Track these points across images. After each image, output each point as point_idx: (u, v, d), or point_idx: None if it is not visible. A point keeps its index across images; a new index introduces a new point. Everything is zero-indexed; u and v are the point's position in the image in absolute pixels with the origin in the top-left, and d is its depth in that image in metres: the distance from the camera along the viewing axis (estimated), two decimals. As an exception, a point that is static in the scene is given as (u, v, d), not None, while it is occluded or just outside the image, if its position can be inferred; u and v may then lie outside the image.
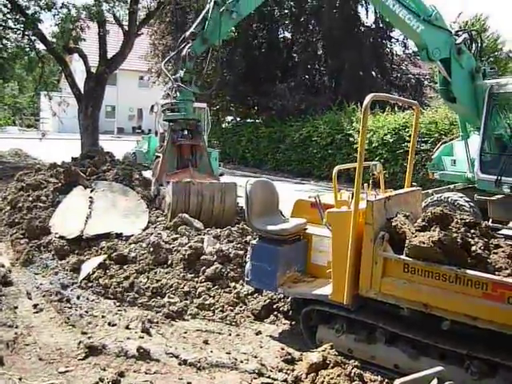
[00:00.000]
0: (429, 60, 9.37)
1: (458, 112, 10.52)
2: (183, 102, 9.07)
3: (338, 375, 4.06)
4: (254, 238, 5.58)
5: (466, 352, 4.06)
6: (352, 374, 4.11)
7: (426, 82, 28.46)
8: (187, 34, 9.33)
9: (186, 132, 9.32)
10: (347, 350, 4.67)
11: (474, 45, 9.86)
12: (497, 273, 4.04)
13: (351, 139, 19.06)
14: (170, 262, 6.43)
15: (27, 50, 15.48)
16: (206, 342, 5.04)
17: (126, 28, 15.34)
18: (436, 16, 9.20)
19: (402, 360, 4.39)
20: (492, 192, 9.51)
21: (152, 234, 7.02)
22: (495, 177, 9.00)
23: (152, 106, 17.07)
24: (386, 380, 4.28)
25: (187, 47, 9.09)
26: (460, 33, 9.81)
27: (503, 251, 4.38)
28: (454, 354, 4.16)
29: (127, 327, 5.24)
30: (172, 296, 5.85)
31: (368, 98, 4.31)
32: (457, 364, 4.14)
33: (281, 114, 23.11)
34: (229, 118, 27.80)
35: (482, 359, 4.03)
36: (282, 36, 27.37)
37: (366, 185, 4.86)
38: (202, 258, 6.34)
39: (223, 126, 26.98)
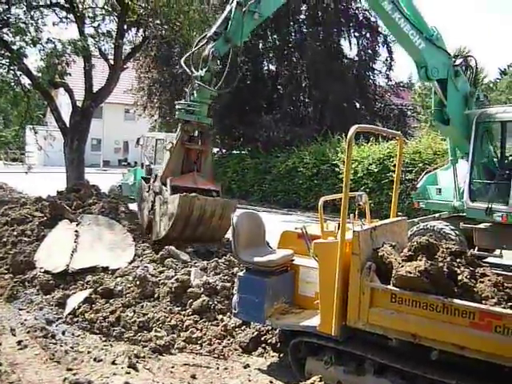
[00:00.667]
0: (427, 79, 9.58)
1: (449, 135, 10.57)
2: (199, 104, 9.02)
3: (328, 408, 4.03)
4: (241, 270, 5.57)
5: (454, 382, 4.04)
6: (342, 407, 4.08)
7: (408, 113, 28.99)
8: (209, 33, 9.22)
9: (196, 134, 9.27)
10: (336, 382, 4.63)
11: (468, 71, 10.11)
12: (483, 302, 4.06)
13: (336, 169, 19.23)
14: (156, 295, 6.37)
15: (12, 84, 15.47)
16: (193, 377, 4.98)
17: (112, 62, 15.45)
18: (437, 36, 9.49)
19: (391, 391, 4.36)
20: (479, 220, 9.63)
21: (138, 267, 6.97)
22: (485, 205, 9.12)
23: (138, 139, 17.18)
24: (376, 412, 4.25)
25: (209, 47, 8.97)
26: (457, 57, 10.09)
27: (489, 280, 4.40)
28: (443, 383, 4.14)
29: (113, 362, 5.15)
30: (159, 330, 5.78)
31: (352, 130, 4.38)
32: (446, 394, 4.12)
33: (266, 146, 23.29)
34: (215, 150, 27.90)
35: (470, 389, 4.02)
36: (266, 68, 27.79)
37: (351, 215, 4.90)
38: (188, 290, 6.29)
39: (209, 157, 27.03)
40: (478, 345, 3.84)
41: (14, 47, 14.22)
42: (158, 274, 6.74)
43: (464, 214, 10.04)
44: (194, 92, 9.10)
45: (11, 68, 14.98)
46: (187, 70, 9.60)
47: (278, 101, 25.30)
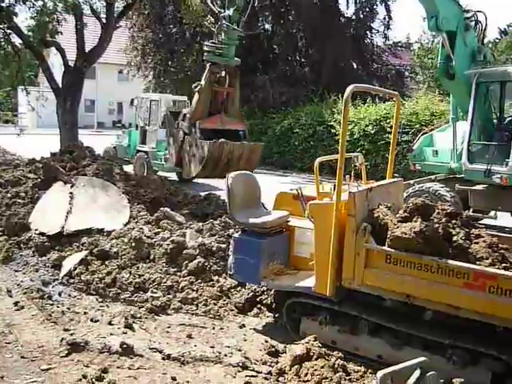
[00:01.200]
0: (436, 29, 9.30)
1: (453, 91, 10.35)
2: (227, 46, 9.05)
3: (322, 367, 4.07)
4: (237, 232, 5.56)
5: (448, 342, 4.10)
6: (336, 366, 4.13)
7: (406, 73, 28.64)
8: None
9: (223, 74, 9.30)
10: (331, 342, 4.69)
11: (477, 27, 9.87)
12: (478, 262, 4.07)
13: (333, 131, 19.10)
14: (152, 256, 6.38)
15: (3, 43, 15.14)
16: (189, 336, 5.01)
17: (104, 21, 15.10)
18: None
19: (385, 351, 4.42)
20: (476, 182, 9.61)
21: (134, 228, 6.95)
22: (484, 167, 9.08)
23: (132, 100, 16.91)
24: (370, 370, 4.31)
25: None
26: (468, 11, 9.82)
27: (484, 241, 4.41)
28: (436, 343, 4.19)
29: (110, 323, 5.19)
30: (155, 291, 5.81)
31: (349, 90, 4.30)
32: (439, 354, 4.19)
33: (262, 106, 23.06)
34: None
35: (464, 348, 4.07)
36: (262, 27, 27.26)
37: (347, 176, 4.86)
38: (184, 252, 6.30)
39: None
40: (472, 305, 3.87)
41: (3, 4, 13.84)
42: (153, 236, 6.73)
43: (460, 176, 10.03)
44: (222, 33, 8.96)
45: (1, 27, 14.63)
46: (214, 9, 9.35)
47: (274, 61, 24.96)
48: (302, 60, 26.00)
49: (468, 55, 9.61)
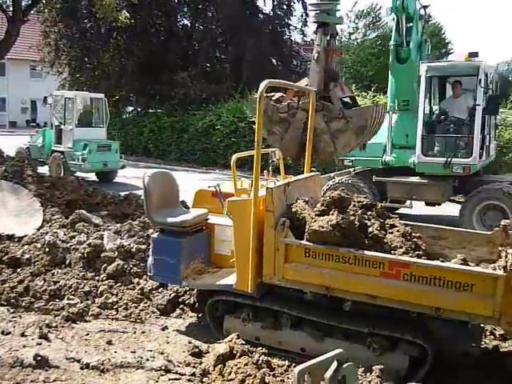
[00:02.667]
0: (402, 9, 9.28)
1: (401, 76, 10.19)
2: (334, 2, 7.51)
3: (246, 364, 4.04)
4: (156, 232, 5.42)
5: (367, 330, 4.19)
6: (259, 362, 4.11)
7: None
8: None
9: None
10: (255, 338, 4.69)
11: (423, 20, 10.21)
12: (393, 252, 4.20)
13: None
14: (68, 261, 6.13)
15: None
16: (109, 343, 4.83)
17: (11, 14, 14.30)
18: None
19: (308, 343, 4.47)
20: (428, 174, 9.87)
21: (47, 233, 6.64)
22: (441, 159, 9.40)
23: (45, 98, 16.17)
24: (293, 364, 4.32)
25: None
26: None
27: (398, 230, 4.57)
28: (356, 333, 4.29)
29: (23, 334, 4.89)
30: (72, 297, 5.56)
31: (263, 85, 4.28)
32: (360, 342, 4.29)
33: (183, 103, 22.80)
34: (130, 109, 26.99)
35: (382, 335, 4.19)
36: (181, 23, 26.94)
37: (265, 172, 4.85)
38: (102, 255, 6.09)
39: (124, 116, 26.15)
40: (388, 293, 3.97)
41: None
42: (68, 240, 6.46)
43: (379, 168, 10.35)
44: None
45: None
46: None
47: (194, 57, 24.70)
48: (222, 56, 25.93)
49: (417, 44, 9.91)
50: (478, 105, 9.15)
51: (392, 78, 10.37)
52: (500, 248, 4.53)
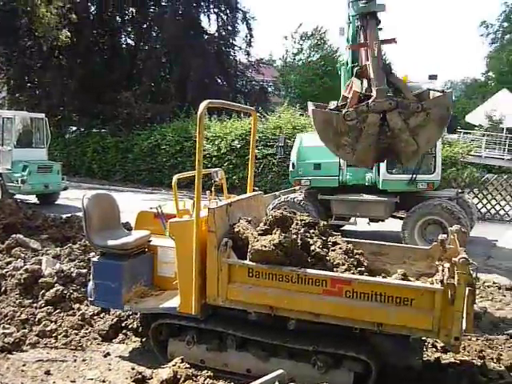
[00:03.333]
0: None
1: None
2: None
3: (190, 388, 3.96)
4: (97, 255, 5.27)
5: (311, 348, 4.20)
6: (204, 385, 4.04)
7: (270, 89, 29.69)
8: None
9: None
10: (200, 361, 4.60)
11: None
12: (335, 269, 4.24)
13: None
14: (3, 288, 5.85)
15: None
16: (47, 373, 4.63)
17: None
18: None
19: (253, 364, 4.42)
20: (391, 191, 10.11)
21: (-19, 259, 6.35)
22: (405, 176, 9.70)
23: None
24: (239, 386, 4.28)
25: None
26: None
27: (340, 248, 4.62)
28: (301, 351, 4.28)
29: (-49, 369, 4.63)
30: (7, 326, 5.30)
31: (203, 106, 4.27)
32: (305, 361, 4.28)
33: (127, 123, 22.54)
34: (72, 129, 26.43)
35: (326, 353, 4.20)
36: (125, 43, 26.77)
37: (208, 192, 4.83)
38: (40, 280, 5.86)
39: (66, 137, 25.57)
40: (331, 310, 4.00)
41: None
42: (4, 266, 6.20)
43: (318, 186, 10.48)
44: None
45: None
46: None
47: (138, 77, 24.55)
48: (167, 76, 25.88)
49: None
50: None
51: None
52: (437, 262, 4.65)
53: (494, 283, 8.05)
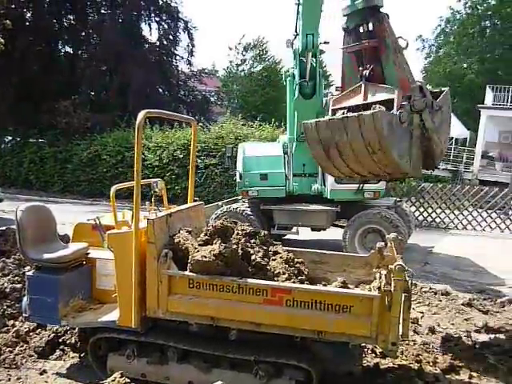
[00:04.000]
0: (312, 46, 9.18)
1: (304, 110, 9.79)
2: None
3: (130, 404, 3.88)
4: (32, 269, 5.08)
5: (253, 358, 4.20)
6: (145, 400, 3.97)
7: (212, 99, 29.71)
8: None
9: None
10: (141, 375, 4.53)
11: None
12: (276, 278, 4.26)
13: (142, 156, 18.79)
14: None
15: None
16: (-21, 394, 4.43)
17: None
18: None
19: (195, 376, 4.39)
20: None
21: None
22: (352, 186, 9.76)
23: None
24: (181, 399, 4.22)
25: None
26: None
27: (281, 257, 4.66)
28: (242, 361, 4.28)
29: None
30: None
31: (141, 115, 4.22)
32: (246, 371, 4.29)
33: (66, 133, 21.94)
34: (8, 139, 25.43)
35: (268, 362, 4.21)
36: (62, 51, 26.10)
37: (148, 202, 4.77)
38: (-29, 297, 5.60)
39: (2, 146, 24.58)
40: (272, 320, 4.02)
41: None
42: None
43: (265, 196, 10.53)
44: None
45: None
46: None
47: (77, 85, 23.96)
48: (107, 85, 25.41)
49: (320, 78, 10.01)
50: None
51: (295, 111, 10.33)
52: (375, 269, 4.77)
53: (430, 289, 8.31)
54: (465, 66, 39.48)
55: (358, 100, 5.50)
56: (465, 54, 39.58)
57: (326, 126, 5.19)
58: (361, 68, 5.54)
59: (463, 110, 37.21)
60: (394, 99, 5.06)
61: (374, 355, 5.39)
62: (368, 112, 4.87)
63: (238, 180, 10.85)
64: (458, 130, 32.75)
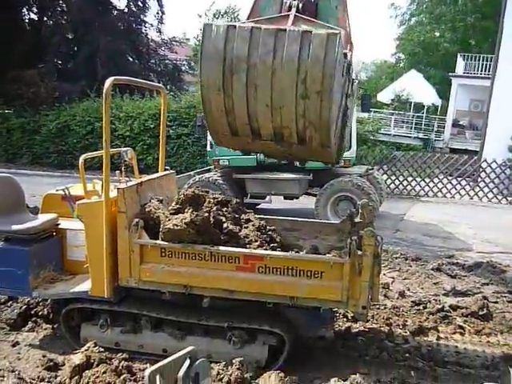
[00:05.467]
0: None
1: None
2: None
3: (104, 372, 3.89)
4: (0, 241, 5.00)
5: (226, 325, 4.25)
6: (119, 368, 3.99)
7: (183, 68, 29.23)
8: None
9: None
10: (114, 344, 4.55)
11: None
12: (248, 246, 4.29)
13: (113, 126, 18.57)
14: None
15: None
16: (-50, 366, 4.38)
17: None
18: None
19: (169, 343, 4.42)
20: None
21: None
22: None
23: None
24: (155, 366, 4.24)
25: None
26: None
27: (253, 225, 4.68)
28: (216, 328, 4.33)
29: None
30: None
31: (108, 82, 4.14)
32: (220, 337, 4.34)
33: (33, 103, 21.36)
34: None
35: (241, 328, 4.26)
36: (27, 17, 25.25)
37: (118, 172, 4.71)
38: None
39: (-35, 117, 23.85)
40: (245, 287, 4.06)
41: None
42: None
43: (236, 165, 10.52)
44: None
45: None
46: None
47: (43, 54, 23.28)
48: (75, 53, 24.76)
49: None
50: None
51: None
52: (347, 236, 4.83)
53: (401, 254, 8.49)
54: (437, 34, 39.59)
55: None
56: (437, 23, 39.64)
57: (242, 36, 3.72)
58: None
59: (437, 78, 37.52)
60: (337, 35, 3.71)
61: (345, 319, 5.50)
62: (321, 30, 3.61)
63: (208, 149, 10.83)
64: (431, 98, 33.11)
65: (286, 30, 3.62)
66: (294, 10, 4.02)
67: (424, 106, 33.03)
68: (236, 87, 3.78)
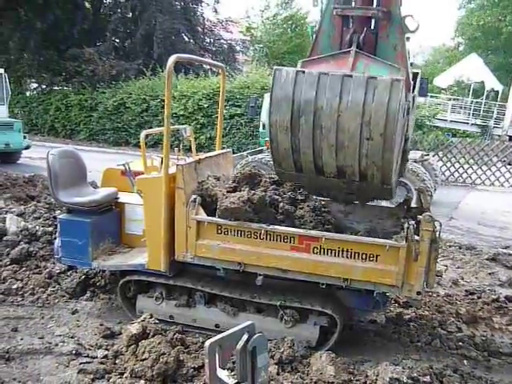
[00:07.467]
0: None
1: None
2: None
3: (159, 343, 4.00)
4: (63, 213, 5.19)
5: (278, 303, 4.28)
6: (173, 340, 4.10)
7: (238, 48, 29.20)
8: None
9: None
10: (169, 317, 4.66)
11: None
12: (303, 226, 4.28)
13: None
14: (-35, 248, 5.73)
15: None
16: (15, 330, 4.60)
17: None
18: None
19: (221, 319, 4.50)
20: None
21: None
22: None
23: None
24: (207, 341, 4.33)
25: None
26: None
27: (308, 205, 4.65)
28: (268, 306, 4.37)
29: None
30: (-29, 285, 5.22)
31: (171, 60, 4.18)
32: (272, 315, 4.38)
33: (91, 81, 21.91)
34: (33, 86, 25.53)
35: (293, 308, 4.29)
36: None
37: (176, 149, 4.78)
38: (4, 238, 5.76)
39: (27, 94, 24.72)
40: (299, 266, 4.06)
41: None
42: (-35, 225, 6.04)
43: None
44: None
45: None
46: None
47: (102, 32, 23.74)
48: (132, 32, 25.13)
49: None
50: None
51: None
52: (402, 220, 4.75)
53: (455, 243, 8.30)
54: (499, 18, 37.92)
55: (341, 69, 4.07)
56: (498, 6, 37.94)
57: (310, 81, 3.90)
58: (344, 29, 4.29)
59: (498, 63, 36.04)
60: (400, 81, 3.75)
61: (396, 305, 5.45)
62: (385, 77, 3.77)
63: (261, 130, 10.78)
64: (491, 83, 31.87)
65: (351, 76, 3.81)
66: (354, 45, 4.13)
67: (484, 92, 31.87)
68: (303, 128, 3.97)
